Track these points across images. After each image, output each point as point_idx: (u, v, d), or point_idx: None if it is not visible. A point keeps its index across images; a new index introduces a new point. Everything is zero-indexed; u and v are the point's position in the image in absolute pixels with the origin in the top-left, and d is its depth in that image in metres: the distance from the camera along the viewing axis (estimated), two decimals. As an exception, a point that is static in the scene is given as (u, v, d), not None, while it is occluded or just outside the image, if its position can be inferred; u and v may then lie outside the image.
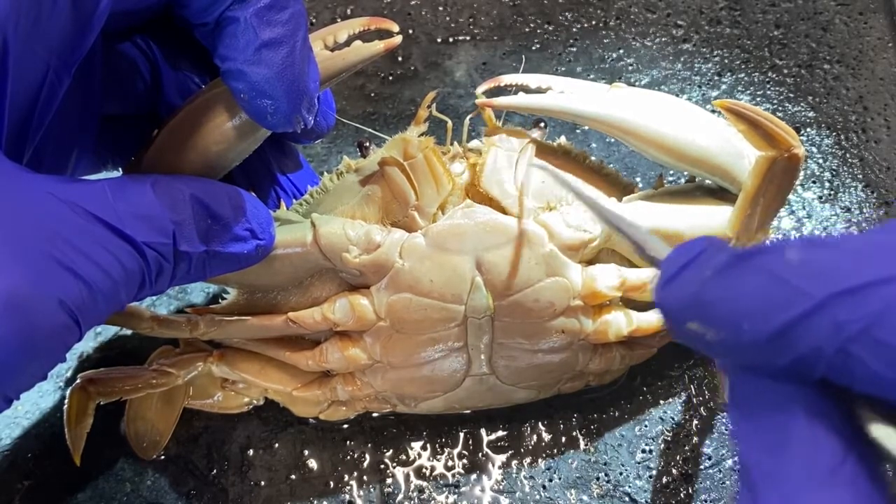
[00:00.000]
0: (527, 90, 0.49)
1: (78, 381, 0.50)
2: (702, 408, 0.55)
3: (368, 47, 0.42)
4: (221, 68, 0.38)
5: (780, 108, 0.67)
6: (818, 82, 0.68)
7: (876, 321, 0.23)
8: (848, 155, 0.65)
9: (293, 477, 0.54)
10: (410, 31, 0.71)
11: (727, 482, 0.52)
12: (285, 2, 0.37)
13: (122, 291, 0.34)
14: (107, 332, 0.58)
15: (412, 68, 0.70)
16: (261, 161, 0.49)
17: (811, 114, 0.67)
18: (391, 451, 0.54)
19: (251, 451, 0.54)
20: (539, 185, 0.47)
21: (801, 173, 0.59)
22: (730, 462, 0.53)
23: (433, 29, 0.72)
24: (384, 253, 0.45)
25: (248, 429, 0.55)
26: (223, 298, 0.51)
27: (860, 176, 0.64)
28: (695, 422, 0.55)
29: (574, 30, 0.72)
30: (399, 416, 0.55)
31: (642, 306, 0.50)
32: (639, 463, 0.53)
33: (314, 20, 0.72)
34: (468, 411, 0.54)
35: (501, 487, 0.53)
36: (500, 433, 0.54)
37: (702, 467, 0.53)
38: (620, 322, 0.49)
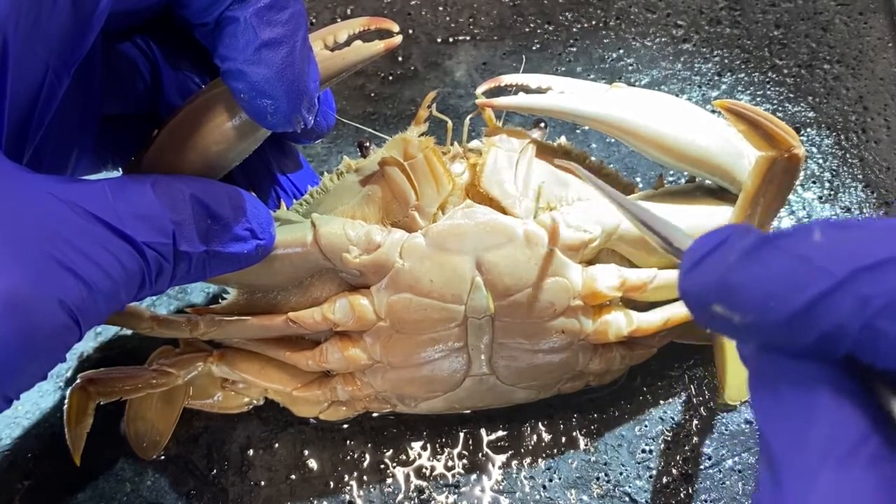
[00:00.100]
0: (527, 90, 0.49)
1: (78, 381, 0.50)
2: (702, 408, 0.55)
3: (368, 47, 0.42)
4: (221, 68, 0.38)
5: (780, 109, 0.67)
6: (818, 82, 0.68)
7: None
8: (848, 155, 0.65)
9: (293, 477, 0.54)
10: (410, 31, 0.71)
11: (727, 482, 0.52)
12: (285, 2, 0.37)
13: (122, 291, 0.34)
14: (107, 332, 0.58)
15: (412, 68, 0.70)
16: (261, 161, 0.49)
17: (811, 114, 0.67)
18: (391, 451, 0.54)
19: (251, 451, 0.54)
20: (539, 186, 0.47)
21: (801, 173, 0.59)
22: (730, 462, 0.53)
23: (433, 29, 0.72)
24: (384, 253, 0.45)
25: (248, 429, 0.55)
26: (223, 298, 0.51)
27: (860, 176, 0.64)
28: (695, 422, 0.55)
29: (574, 30, 0.72)
30: (399, 416, 0.55)
31: (642, 306, 0.50)
32: (639, 463, 0.53)
33: (314, 20, 0.72)
34: (468, 411, 0.54)
35: (501, 487, 0.53)
36: (500, 433, 0.54)
37: (702, 467, 0.53)
38: (620, 322, 0.49)
